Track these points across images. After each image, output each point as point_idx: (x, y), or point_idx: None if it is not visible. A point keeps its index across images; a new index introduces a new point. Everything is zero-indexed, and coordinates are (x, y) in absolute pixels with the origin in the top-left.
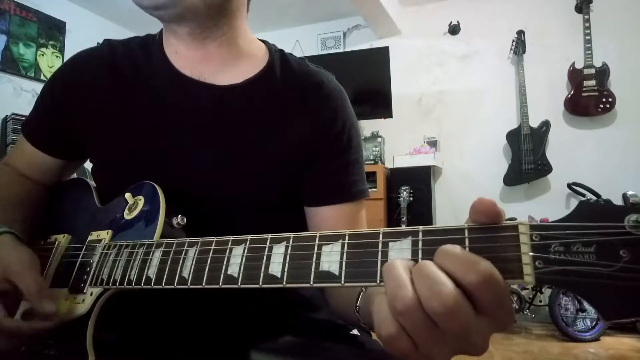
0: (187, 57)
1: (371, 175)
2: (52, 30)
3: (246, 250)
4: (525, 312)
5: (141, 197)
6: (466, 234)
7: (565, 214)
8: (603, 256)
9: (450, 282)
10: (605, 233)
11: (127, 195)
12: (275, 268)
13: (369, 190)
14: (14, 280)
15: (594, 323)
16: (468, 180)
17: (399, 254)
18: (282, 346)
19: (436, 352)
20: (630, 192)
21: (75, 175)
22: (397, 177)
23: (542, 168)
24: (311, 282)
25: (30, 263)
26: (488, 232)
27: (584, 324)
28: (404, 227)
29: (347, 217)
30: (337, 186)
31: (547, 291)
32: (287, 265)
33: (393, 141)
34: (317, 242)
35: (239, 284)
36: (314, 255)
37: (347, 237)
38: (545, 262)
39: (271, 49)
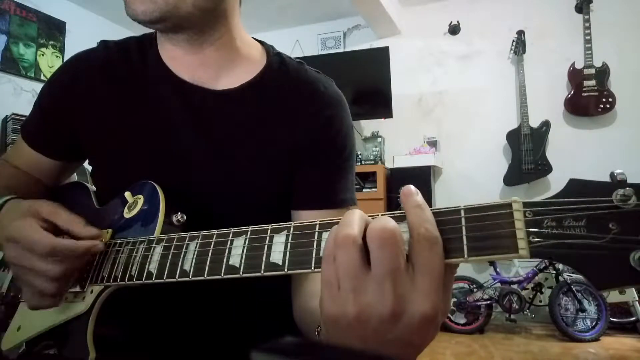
0: (184, 62)
1: (371, 175)
2: (52, 30)
3: (247, 240)
4: (525, 312)
5: (141, 196)
6: (462, 214)
7: None
8: (593, 229)
9: (395, 223)
10: (594, 207)
11: (127, 194)
12: (277, 256)
13: (371, 190)
14: (50, 218)
15: (594, 323)
16: (468, 180)
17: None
18: (282, 346)
19: (354, 304)
20: (617, 171)
21: (75, 176)
22: (397, 177)
23: (542, 168)
24: (312, 267)
25: (55, 203)
26: (483, 211)
27: (584, 324)
28: (402, 211)
29: None
30: (322, 192)
31: (547, 291)
32: (288, 252)
33: (393, 141)
34: (317, 229)
35: (241, 273)
36: (315, 242)
37: None
38: (539, 236)
39: (269, 51)
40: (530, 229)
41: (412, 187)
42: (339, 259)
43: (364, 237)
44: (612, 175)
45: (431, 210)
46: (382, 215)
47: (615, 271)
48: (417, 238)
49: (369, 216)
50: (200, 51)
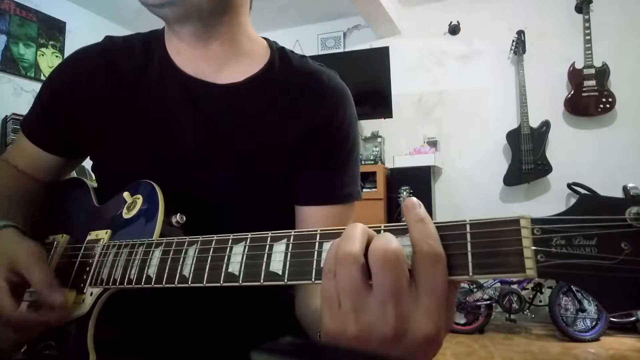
0: (189, 55)
1: (371, 175)
2: (52, 30)
3: (246, 248)
4: (525, 312)
5: (140, 196)
6: (468, 229)
7: None
8: (604, 249)
9: (397, 243)
10: (606, 226)
11: (126, 194)
12: (276, 265)
13: (371, 190)
14: (23, 272)
15: (594, 323)
16: (468, 180)
17: None
18: (282, 346)
19: (355, 323)
20: (630, 185)
21: (75, 174)
22: (397, 177)
23: (542, 168)
24: (312, 279)
25: (38, 255)
26: (489, 227)
27: (584, 324)
28: (404, 224)
29: (333, 219)
30: (326, 187)
31: (547, 291)
32: (288, 262)
33: (393, 141)
34: (317, 239)
35: (240, 282)
36: (315, 253)
37: None
38: (547, 255)
39: (272, 46)
40: (538, 248)
41: (414, 199)
42: (340, 276)
43: (365, 254)
44: (625, 189)
45: (435, 224)
46: (384, 229)
47: (627, 294)
48: (420, 255)
49: (370, 227)
50: (205, 45)
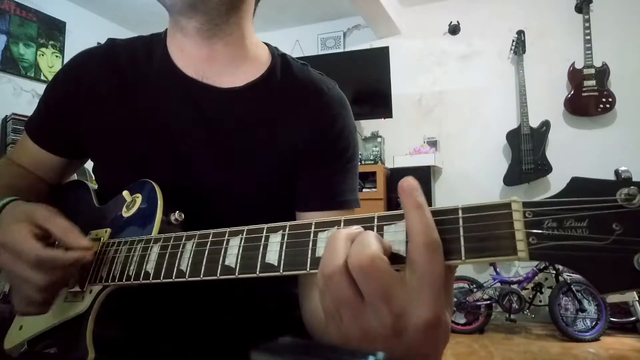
0: (192, 55)
1: (371, 175)
2: (52, 30)
3: (243, 240)
4: (525, 312)
5: (139, 195)
6: (460, 214)
7: None
8: (596, 230)
9: (376, 245)
10: (597, 207)
11: (125, 193)
12: (272, 256)
13: (371, 190)
14: (44, 225)
15: (594, 323)
16: (468, 180)
17: (394, 236)
18: (282, 346)
19: (358, 329)
20: (622, 168)
21: (75, 176)
22: (397, 177)
23: (542, 168)
24: (308, 269)
25: (52, 209)
26: (482, 211)
27: (584, 324)
28: (399, 210)
29: None
30: (324, 193)
31: (547, 291)
32: (283, 253)
33: (393, 141)
34: (312, 229)
35: (237, 274)
36: (310, 242)
37: (342, 223)
38: (539, 238)
39: (274, 52)
40: (530, 230)
41: (411, 180)
42: (332, 292)
43: None
44: (616, 172)
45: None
46: (377, 217)
47: (618, 274)
48: (417, 245)
49: (364, 217)
50: (209, 45)
